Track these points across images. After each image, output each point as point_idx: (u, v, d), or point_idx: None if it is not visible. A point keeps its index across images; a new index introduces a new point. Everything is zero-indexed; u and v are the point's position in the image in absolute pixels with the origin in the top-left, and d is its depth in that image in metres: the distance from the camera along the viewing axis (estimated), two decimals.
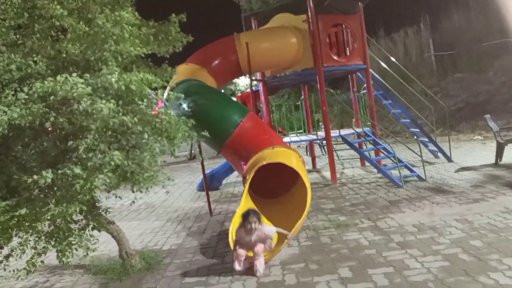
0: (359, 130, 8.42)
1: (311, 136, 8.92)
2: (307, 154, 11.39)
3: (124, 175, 3.44)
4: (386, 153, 7.71)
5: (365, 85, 8.96)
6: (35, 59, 3.55)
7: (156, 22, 4.62)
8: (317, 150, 12.02)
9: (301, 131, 9.65)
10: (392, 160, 7.41)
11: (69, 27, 3.68)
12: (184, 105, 5.41)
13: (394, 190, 6.47)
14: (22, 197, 3.14)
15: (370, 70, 8.72)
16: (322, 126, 9.20)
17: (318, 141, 10.56)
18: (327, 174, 8.41)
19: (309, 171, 9.44)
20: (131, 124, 3.32)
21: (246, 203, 4.66)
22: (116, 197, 3.91)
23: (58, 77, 2.96)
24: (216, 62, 7.13)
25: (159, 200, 8.13)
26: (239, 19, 9.02)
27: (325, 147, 9.44)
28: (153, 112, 3.76)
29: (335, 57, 7.94)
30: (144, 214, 7.08)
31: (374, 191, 6.56)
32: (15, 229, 3.26)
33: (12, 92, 3.10)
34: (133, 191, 3.63)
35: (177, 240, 5.22)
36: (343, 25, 8.27)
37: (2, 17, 3.76)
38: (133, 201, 4.36)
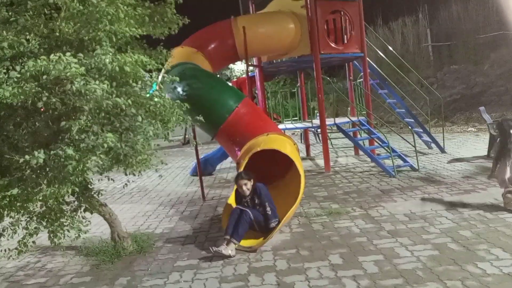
0: (354, 119, 8.43)
1: (306, 124, 8.91)
2: (301, 142, 11.39)
3: (117, 157, 3.42)
4: (380, 143, 7.74)
5: (361, 73, 8.92)
6: (27, 37, 3.47)
7: (151, 2, 4.53)
8: (311, 138, 12.04)
9: (296, 118, 9.64)
10: (386, 150, 7.44)
11: (63, 5, 3.60)
12: (179, 89, 5.36)
13: (387, 179, 6.52)
14: (14, 177, 3.11)
15: (367, 58, 8.67)
16: (317, 114, 9.20)
17: (313, 129, 10.56)
18: (321, 162, 8.44)
19: (303, 159, 9.44)
20: (124, 106, 3.27)
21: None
22: (109, 179, 3.89)
23: (52, 56, 2.90)
24: (212, 46, 7.04)
25: (152, 184, 8.12)
26: (236, 2, 8.90)
27: (320, 135, 9.44)
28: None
29: (332, 44, 7.88)
30: (137, 197, 7.07)
31: (367, 180, 6.60)
32: (6, 209, 3.23)
33: (4, 71, 3.04)
34: (126, 174, 3.62)
35: (169, 224, 5.23)
36: (342, 12, 8.17)
37: None
38: (126, 184, 4.34)
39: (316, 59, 7.66)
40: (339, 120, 8.58)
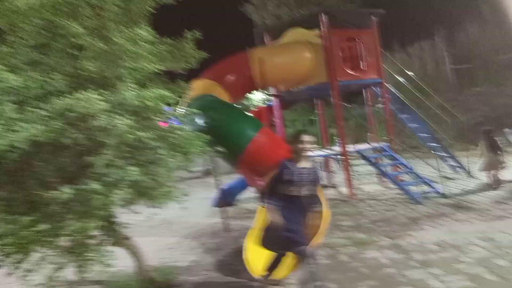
0: (375, 145, 8.31)
1: (327, 151, 8.84)
2: (322, 170, 11.26)
3: (141, 190, 3.44)
4: (404, 169, 7.56)
5: (380, 99, 8.88)
6: (54, 76, 3.62)
7: (171, 39, 4.69)
8: (334, 165, 11.89)
9: (316, 146, 9.58)
10: (411, 176, 7.26)
11: (86, 45, 3.76)
12: (199, 120, 5.43)
13: (414, 206, 6.32)
14: (42, 212, 3.16)
15: (386, 84, 8.65)
16: (338, 140, 9.13)
17: (334, 156, 10.45)
18: (344, 190, 8.29)
19: (325, 187, 9.33)
20: (147, 139, 3.33)
21: (261, 219, 4.60)
22: (133, 212, 3.91)
23: (77, 94, 3.00)
24: (230, 77, 7.17)
25: (175, 216, 8.11)
26: (252, 34, 9.12)
27: (341, 162, 9.33)
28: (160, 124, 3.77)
29: (349, 71, 7.92)
30: (161, 229, 7.06)
31: (393, 208, 6.42)
32: (35, 244, 3.26)
33: (33, 109, 3.15)
34: (149, 207, 3.62)
35: (193, 256, 5.17)
36: (357, 39, 8.25)
37: (23, 36, 3.87)
38: (150, 217, 4.34)
39: (334, 86, 7.70)
40: (360, 146, 8.48)
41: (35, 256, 3.49)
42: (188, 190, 4.00)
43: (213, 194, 9.73)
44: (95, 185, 2.93)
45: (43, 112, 3.01)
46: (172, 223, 7.45)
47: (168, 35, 4.79)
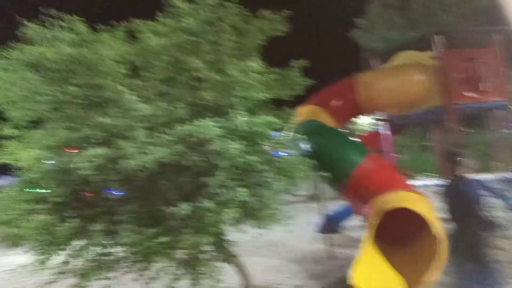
0: (504, 175, 7.36)
1: (444, 180, 8.11)
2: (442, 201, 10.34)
3: (248, 211, 3.64)
4: None
5: (506, 123, 7.90)
6: (177, 106, 4.11)
7: (278, 68, 4.95)
8: None
9: (432, 174, 8.90)
10: None
11: (205, 77, 4.20)
12: (304, 145, 5.52)
13: None
14: (164, 226, 3.56)
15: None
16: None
17: None
18: None
19: (444, 220, 8.51)
20: (255, 163, 3.54)
21: (367, 249, 4.43)
22: (240, 232, 4.12)
23: (195, 122, 3.36)
24: (335, 102, 7.16)
25: (280, 238, 8.23)
26: (359, 59, 9.02)
27: None
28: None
29: (467, 94, 7.26)
30: (265, 251, 7.23)
31: None
32: (157, 255, 3.67)
33: (160, 135, 3.62)
34: (255, 227, 3.79)
35: (296, 281, 5.18)
36: (476, 59, 7.56)
37: (154, 71, 4.50)
38: (255, 237, 4.52)
39: (450, 110, 7.13)
40: (483, 176, 7.60)
41: (156, 266, 3.91)
42: (293, 213, 4.08)
43: (317, 219, 9.65)
44: (209, 204, 3.20)
45: (168, 137, 3.44)
46: (277, 245, 7.57)
47: (276, 64, 5.09)
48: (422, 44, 7.51)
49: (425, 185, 8.23)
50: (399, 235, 5.23)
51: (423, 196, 5.16)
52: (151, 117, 3.75)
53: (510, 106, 7.65)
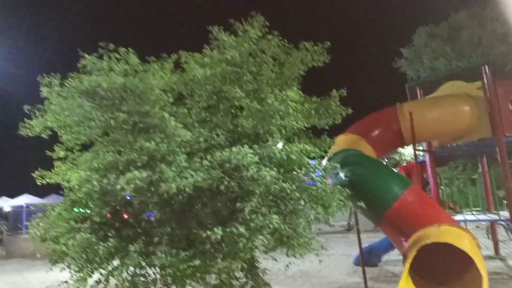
0: None
1: (492, 216, 7.65)
2: (488, 237, 9.70)
3: (281, 238, 3.67)
4: None
5: None
6: (217, 132, 4.28)
7: (318, 97, 5.03)
8: (502, 233, 10.13)
9: (478, 209, 8.41)
10: None
11: (245, 106, 4.36)
12: (342, 174, 5.48)
13: None
14: (197, 249, 3.66)
15: None
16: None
17: (503, 222, 8.93)
18: None
19: (490, 258, 7.98)
20: (289, 190, 3.59)
21: (405, 285, 4.26)
22: (272, 259, 4.13)
23: (233, 148, 3.49)
24: (376, 132, 7.07)
25: (315, 269, 8.06)
26: (404, 89, 8.87)
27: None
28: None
29: None
30: (299, 281, 7.11)
31: None
32: (189, 278, 3.76)
33: (199, 160, 3.78)
34: (287, 255, 3.79)
35: None
36: None
37: (198, 99, 4.73)
38: (287, 266, 4.50)
39: (500, 142, 6.80)
40: None
41: None
42: (329, 244, 4.04)
43: (355, 251, 9.36)
44: (241, 229, 3.27)
45: (206, 162, 3.59)
46: (310, 276, 7.41)
47: (317, 93, 5.16)
48: (470, 75, 7.30)
49: (474, 221, 7.79)
50: (442, 273, 4.98)
51: (467, 232, 4.92)
52: (192, 143, 3.93)
53: None
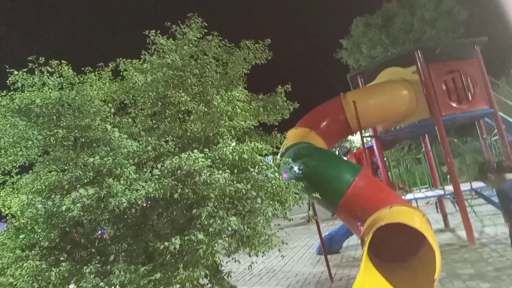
0: None
1: (438, 191, 8.14)
2: (437, 212, 10.32)
3: (241, 239, 3.65)
4: None
5: (495, 131, 8.01)
6: (166, 139, 4.17)
7: (264, 94, 5.06)
8: (449, 206, 10.82)
9: (426, 186, 8.91)
10: None
11: (192, 110, 4.29)
12: (295, 168, 5.56)
13: None
14: (157, 262, 3.55)
15: (501, 113, 7.83)
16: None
17: (449, 197, 9.54)
18: (463, 233, 7.44)
19: (441, 231, 8.50)
20: (245, 190, 3.57)
21: (366, 268, 4.40)
22: (235, 261, 4.10)
23: (182, 154, 3.41)
24: (325, 123, 7.26)
25: (279, 265, 8.15)
26: (345, 81, 9.18)
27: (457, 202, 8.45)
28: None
29: (454, 104, 7.40)
30: (265, 278, 7.15)
31: None
32: None
33: (149, 170, 3.66)
34: (249, 255, 3.78)
35: None
36: (460, 71, 7.74)
37: (142, 107, 4.58)
38: (250, 265, 4.49)
39: (438, 122, 7.24)
40: (477, 184, 7.64)
41: None
42: (291, 237, 4.08)
43: (317, 241, 9.57)
44: (200, 235, 3.21)
45: (157, 172, 3.47)
46: (277, 272, 7.48)
47: (263, 90, 5.19)
48: (405, 60, 7.69)
49: (423, 198, 8.25)
50: (399, 251, 5.22)
51: (417, 210, 5.18)
52: (140, 153, 3.79)
53: (498, 113, 7.78)
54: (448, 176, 9.72)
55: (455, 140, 9.53)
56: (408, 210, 5.07)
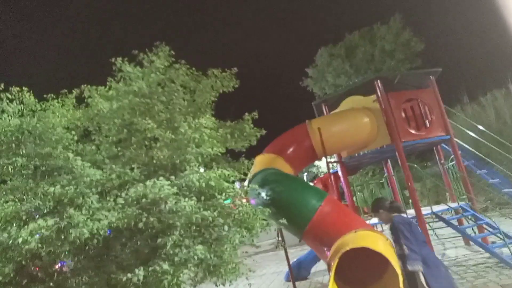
0: (454, 205, 7.73)
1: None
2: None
3: (208, 268, 3.59)
4: (490, 229, 6.88)
5: (452, 156, 8.43)
6: (132, 166, 4.10)
7: (231, 121, 5.12)
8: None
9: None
10: (499, 237, 6.55)
11: (158, 137, 4.26)
12: (263, 194, 5.59)
13: (507, 271, 5.63)
14: None
15: (456, 140, 8.28)
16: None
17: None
18: None
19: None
20: (212, 218, 3.55)
21: None
22: None
23: (148, 182, 3.37)
24: (291, 149, 7.39)
25: None
26: (310, 108, 9.43)
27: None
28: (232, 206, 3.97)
29: (413, 131, 7.75)
30: None
31: (483, 274, 5.76)
32: None
33: (113, 198, 3.58)
34: (216, 285, 3.72)
35: None
36: (417, 99, 8.17)
37: (107, 134, 4.51)
38: None
39: (398, 148, 7.54)
40: (438, 207, 7.94)
41: None
42: (259, 264, 4.05)
43: (285, 267, 9.51)
44: (165, 265, 3.14)
45: (121, 200, 3.40)
46: None
47: (231, 117, 5.25)
48: (366, 89, 8.04)
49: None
50: (365, 275, 5.28)
51: (380, 234, 5.30)
52: (103, 181, 3.71)
53: (454, 139, 8.21)
54: (410, 200, 10.05)
55: (415, 165, 9.90)
56: (373, 235, 5.18)
